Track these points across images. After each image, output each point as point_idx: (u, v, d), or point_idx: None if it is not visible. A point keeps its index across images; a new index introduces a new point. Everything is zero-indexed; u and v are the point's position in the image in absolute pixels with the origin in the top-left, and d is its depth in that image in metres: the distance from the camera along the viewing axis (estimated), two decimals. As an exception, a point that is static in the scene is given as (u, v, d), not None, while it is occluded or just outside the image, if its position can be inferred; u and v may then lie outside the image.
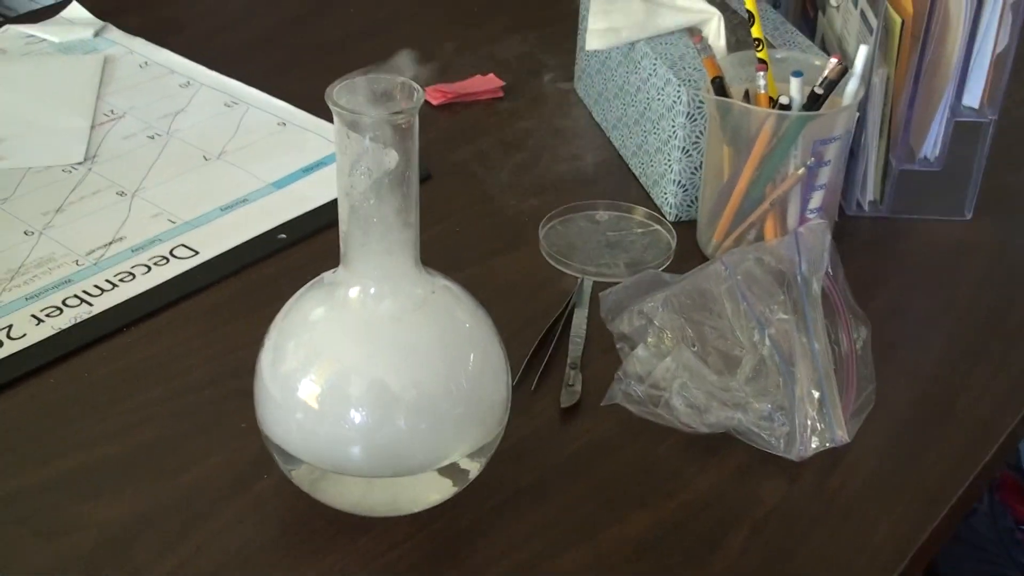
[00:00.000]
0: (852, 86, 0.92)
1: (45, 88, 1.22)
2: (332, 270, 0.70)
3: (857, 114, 0.95)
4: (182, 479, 0.76)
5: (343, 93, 0.63)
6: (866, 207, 1.06)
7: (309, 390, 0.68)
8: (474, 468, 0.72)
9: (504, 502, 0.75)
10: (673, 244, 0.99)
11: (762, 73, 0.92)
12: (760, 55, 0.93)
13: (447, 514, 0.73)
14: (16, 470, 0.76)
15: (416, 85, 0.64)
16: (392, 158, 0.63)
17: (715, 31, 1.04)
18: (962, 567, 1.82)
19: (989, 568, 1.81)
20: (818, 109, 0.90)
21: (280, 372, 0.69)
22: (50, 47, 1.30)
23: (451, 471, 0.71)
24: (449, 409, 0.68)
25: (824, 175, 0.93)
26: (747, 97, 0.93)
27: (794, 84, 0.90)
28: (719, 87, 0.92)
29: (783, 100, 0.90)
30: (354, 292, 0.68)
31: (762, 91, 0.92)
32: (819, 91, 0.89)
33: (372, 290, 0.68)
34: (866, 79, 0.94)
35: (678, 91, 0.98)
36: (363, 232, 0.66)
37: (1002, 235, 1.05)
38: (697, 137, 0.99)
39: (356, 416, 0.67)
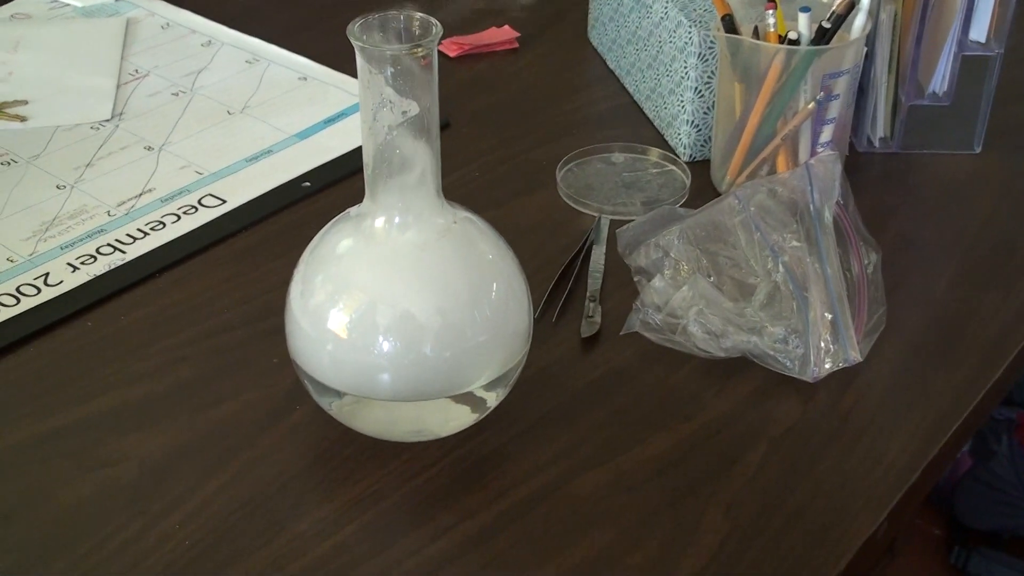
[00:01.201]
0: (860, 20, 0.93)
1: (70, 50, 1.24)
2: (357, 204, 0.73)
3: (865, 49, 0.97)
4: (218, 413, 0.79)
5: (363, 31, 0.66)
6: (876, 143, 1.08)
7: (338, 320, 0.70)
8: (498, 394, 0.75)
9: (528, 428, 0.77)
10: (688, 183, 1.01)
11: (771, 11, 0.94)
12: (769, -7, 0.95)
13: (473, 439, 0.76)
14: (60, 408, 0.79)
15: (434, 20, 0.66)
16: (411, 94, 0.66)
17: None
18: (981, 509, 1.84)
19: (1008, 510, 1.83)
20: (827, 43, 0.92)
21: (310, 305, 0.72)
22: (73, 11, 1.33)
23: (475, 397, 0.73)
24: (473, 335, 0.71)
25: (834, 109, 0.95)
26: (756, 35, 0.95)
27: (802, 20, 0.92)
28: (729, 25, 0.94)
29: (792, 36, 0.92)
30: (379, 223, 0.70)
31: (771, 29, 0.94)
32: (827, 25, 0.91)
33: (396, 220, 0.70)
34: (874, 13, 0.96)
35: (689, 32, 1.00)
36: (387, 164, 0.69)
37: (1011, 167, 1.07)
38: (709, 77, 1.02)
39: (384, 344, 0.69)
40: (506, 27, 1.29)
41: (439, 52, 1.24)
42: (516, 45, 1.27)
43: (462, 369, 0.71)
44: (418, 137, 0.68)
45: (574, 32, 1.30)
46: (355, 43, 0.65)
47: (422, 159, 0.69)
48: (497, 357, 0.73)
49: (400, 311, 0.69)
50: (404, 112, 0.67)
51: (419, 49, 0.65)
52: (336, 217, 0.74)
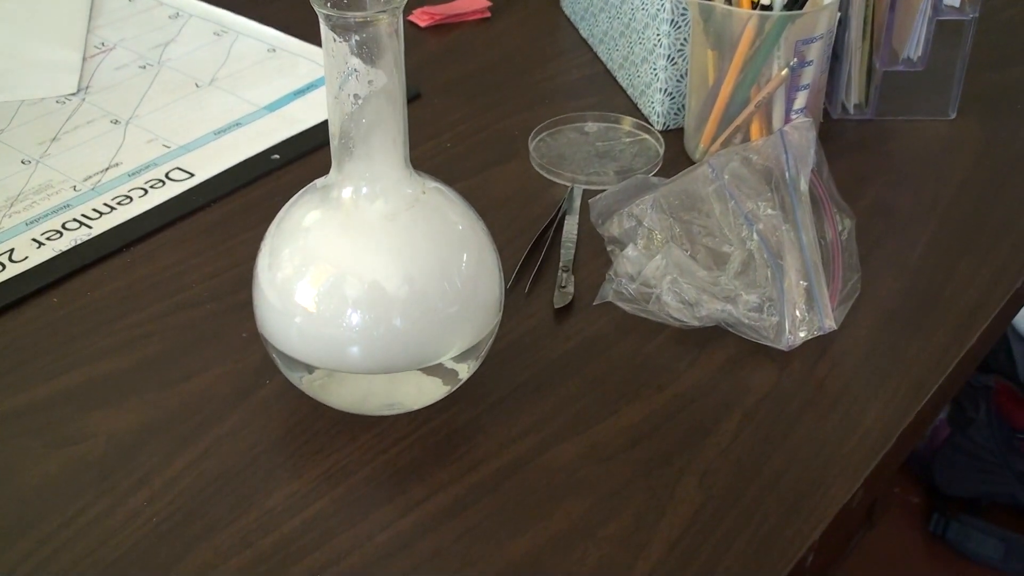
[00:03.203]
0: (833, -15, 0.93)
1: (34, 24, 1.23)
2: (324, 176, 0.72)
3: (839, 14, 0.96)
4: (187, 388, 0.78)
5: (328, -1, 0.64)
6: (851, 110, 1.08)
7: (306, 293, 0.69)
8: (469, 366, 0.74)
9: (501, 399, 0.77)
10: (661, 151, 1.00)
11: (744, -23, 0.93)
12: (741, -41, 0.94)
13: (445, 412, 0.75)
14: (25, 385, 0.78)
15: (399, -15, 0.65)
16: (377, 62, 0.65)
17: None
18: (960, 476, 1.85)
19: (987, 477, 1.83)
20: (799, 8, 0.91)
21: (277, 278, 0.71)
22: (38, -16, 1.31)
23: (446, 369, 0.72)
24: (443, 307, 0.70)
25: (808, 75, 0.94)
26: (729, 0, 0.94)
27: (775, -16, 0.91)
28: (701, -9, 0.94)
29: (764, 1, 0.91)
30: (347, 193, 0.69)
31: (744, -6, 0.94)
32: (799, -10, 0.90)
33: (364, 190, 0.69)
34: (847, -22, 0.95)
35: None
36: (353, 134, 0.68)
37: (986, 133, 1.07)
38: (682, 44, 1.01)
39: (352, 316, 0.68)
40: (477, -4, 1.27)
41: (410, 22, 1.24)
42: (488, 14, 1.26)
43: (432, 341, 0.70)
44: (385, 106, 0.67)
45: (546, 1, 1.28)
46: (319, 10, 0.63)
47: (389, 129, 0.68)
48: (468, 329, 0.72)
49: (368, 283, 0.69)
50: (370, 81, 0.66)
51: (384, 15, 0.63)
52: (303, 189, 0.73)
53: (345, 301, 0.69)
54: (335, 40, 0.65)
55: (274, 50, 1.18)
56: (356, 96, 0.66)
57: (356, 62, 0.65)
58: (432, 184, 0.72)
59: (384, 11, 0.64)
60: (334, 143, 0.69)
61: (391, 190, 0.70)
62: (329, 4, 0.64)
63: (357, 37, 0.64)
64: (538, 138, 1.03)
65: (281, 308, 0.70)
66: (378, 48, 0.65)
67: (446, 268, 0.70)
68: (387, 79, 0.66)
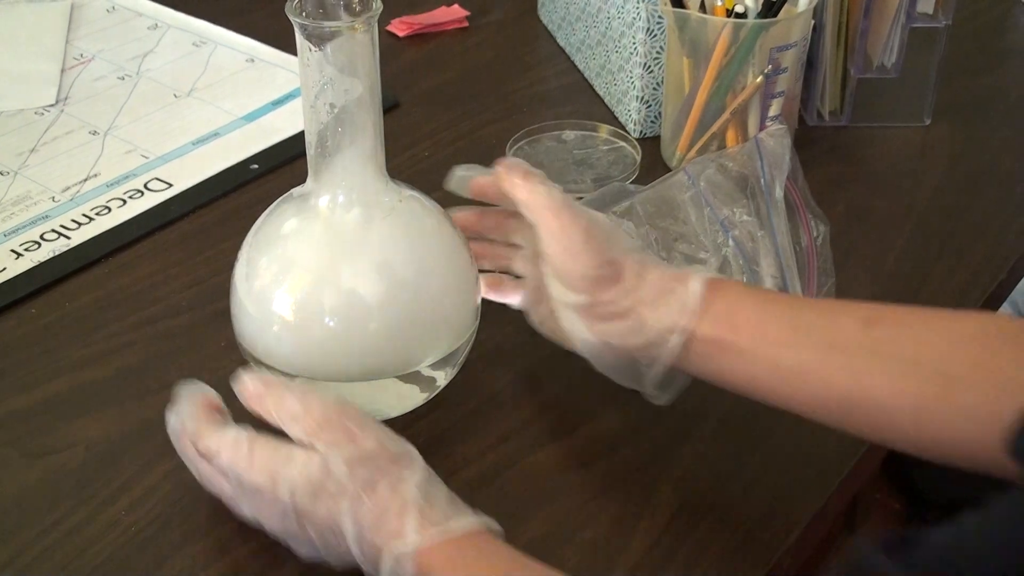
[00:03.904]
0: (806, -7, 0.93)
1: (13, 35, 1.23)
2: (301, 185, 0.72)
3: (813, 22, 0.97)
4: (166, 398, 0.77)
5: (302, 8, 0.65)
6: (826, 117, 1.08)
7: (283, 302, 0.70)
8: (447, 373, 0.74)
9: (479, 406, 0.77)
10: (638, 159, 1.01)
11: (719, -15, 0.94)
12: (715, -33, 0.94)
13: (424, 419, 0.76)
14: (4, 395, 0.78)
15: (374, -6, 0.65)
16: (353, 72, 0.65)
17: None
18: (941, 482, 1.85)
19: (968, 480, 1.84)
20: (773, 16, 0.92)
21: (255, 287, 0.71)
22: (17, -4, 1.31)
23: (424, 376, 0.73)
24: (420, 315, 0.70)
25: (782, 83, 0.95)
26: (703, 9, 0.95)
27: (748, -8, 0.92)
28: None
29: (739, 9, 0.92)
30: (323, 202, 0.70)
31: (719, 3, 0.94)
32: (773, -1, 0.91)
33: (340, 199, 0.69)
34: (820, -13, 0.96)
35: (637, 7, 1.00)
36: (329, 143, 0.68)
37: (960, 139, 1.08)
38: (658, 53, 1.01)
39: (330, 324, 0.69)
40: (455, 6, 1.28)
41: (388, 32, 1.24)
42: (466, 24, 1.26)
43: (409, 349, 0.71)
44: (361, 115, 0.67)
45: (524, 9, 1.29)
46: (294, 20, 0.64)
47: (365, 137, 0.68)
48: (445, 336, 0.72)
49: (345, 291, 0.69)
50: (346, 90, 0.66)
51: (359, 25, 0.64)
52: (279, 198, 0.73)
53: (322, 309, 0.69)
54: (310, 50, 0.65)
55: (252, 60, 1.18)
56: (332, 105, 0.66)
57: (332, 71, 0.65)
58: (409, 192, 0.73)
59: (359, 21, 0.64)
60: (311, 152, 0.69)
61: (368, 199, 0.70)
62: (304, 14, 0.64)
63: (332, 46, 0.64)
64: (516, 146, 1.03)
65: (259, 317, 0.71)
66: (354, 57, 0.65)
67: (423, 276, 0.71)
68: (363, 88, 0.66)
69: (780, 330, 0.66)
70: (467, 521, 0.60)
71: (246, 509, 0.64)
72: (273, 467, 0.62)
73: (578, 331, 0.71)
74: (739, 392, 0.69)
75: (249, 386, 0.66)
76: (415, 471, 0.61)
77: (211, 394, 0.68)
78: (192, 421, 0.66)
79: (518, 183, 0.71)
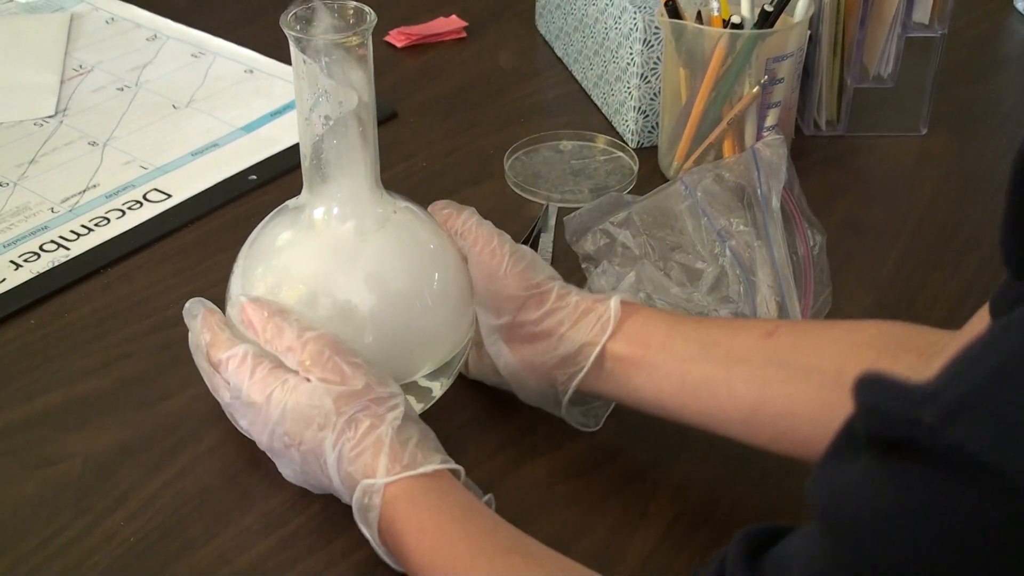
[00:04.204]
0: (803, 3, 0.94)
1: (12, 47, 1.23)
2: (296, 196, 0.72)
3: (809, 32, 0.97)
4: (164, 408, 0.78)
5: (297, 21, 0.65)
6: (823, 126, 1.09)
7: (281, 312, 0.70)
8: (442, 383, 0.75)
9: (475, 416, 0.78)
10: (635, 169, 1.01)
11: (715, -4, 0.95)
12: (712, -22, 0.95)
13: (421, 429, 0.76)
14: (3, 406, 0.78)
15: (367, 8, 0.66)
16: (347, 84, 0.66)
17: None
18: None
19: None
20: (770, 27, 0.92)
21: (252, 298, 0.71)
22: (16, 7, 1.32)
23: (420, 386, 0.73)
24: (414, 325, 0.70)
25: (779, 93, 0.95)
26: (700, 20, 0.96)
27: (744, 3, 0.92)
28: (672, 10, 0.94)
29: (735, 20, 0.92)
30: (318, 214, 0.70)
31: (715, 13, 0.95)
32: (769, 8, 0.91)
33: (335, 211, 0.70)
34: (816, -3, 0.96)
35: (634, 18, 1.00)
36: (324, 155, 0.68)
37: (956, 149, 1.08)
38: (655, 63, 1.02)
39: (326, 335, 0.69)
40: (453, 16, 1.28)
41: (386, 43, 1.25)
42: (464, 35, 1.27)
43: (404, 359, 0.71)
44: (355, 127, 0.67)
45: (522, 20, 1.29)
46: (288, 33, 0.64)
47: (360, 149, 0.69)
48: (440, 346, 0.72)
49: (340, 302, 0.69)
50: (340, 103, 0.66)
51: (354, 38, 0.64)
52: (275, 210, 0.74)
53: (317, 321, 0.69)
54: (305, 62, 0.65)
55: (251, 71, 1.18)
56: (327, 117, 0.67)
57: (326, 84, 0.66)
58: (403, 204, 0.73)
59: (354, 33, 0.64)
60: (305, 164, 0.70)
61: (362, 210, 0.70)
62: (299, 27, 0.65)
63: (327, 59, 0.65)
64: (513, 156, 1.03)
65: (256, 328, 0.71)
66: (348, 70, 0.65)
67: (417, 287, 0.71)
68: (357, 100, 0.66)
69: (688, 346, 0.70)
70: (433, 465, 0.64)
71: (242, 421, 0.70)
72: (269, 387, 0.67)
73: (502, 355, 0.75)
74: (651, 411, 0.72)
75: (250, 313, 0.69)
76: (397, 413, 0.65)
77: (218, 311, 0.72)
78: (207, 333, 0.71)
79: (451, 214, 0.75)
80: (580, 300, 0.73)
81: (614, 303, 0.72)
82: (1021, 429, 0.35)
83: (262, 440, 0.68)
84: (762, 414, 0.67)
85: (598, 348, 0.71)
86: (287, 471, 0.69)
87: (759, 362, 0.67)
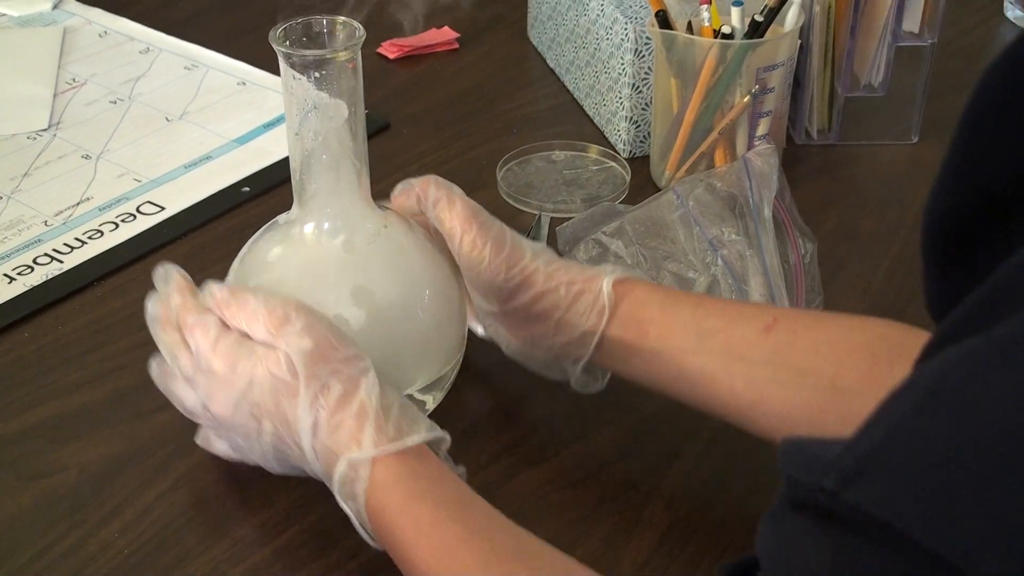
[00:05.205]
0: (792, 13, 0.94)
1: (5, 60, 1.23)
2: (286, 212, 0.73)
3: (799, 41, 0.97)
4: (158, 420, 0.78)
5: (286, 37, 0.65)
6: (814, 136, 1.09)
7: (273, 325, 0.70)
8: (435, 396, 0.75)
9: (469, 427, 0.77)
10: (628, 179, 1.02)
11: (705, 6, 0.95)
12: (703, -12, 0.95)
13: (415, 439, 0.76)
14: (-3, 419, 0.79)
15: (357, 24, 0.66)
16: (337, 99, 0.66)
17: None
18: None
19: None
20: (760, 37, 0.92)
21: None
22: (9, 21, 1.32)
23: (414, 399, 0.73)
24: (406, 339, 0.71)
25: (770, 102, 0.96)
26: (690, 30, 0.96)
27: (735, 13, 0.93)
28: (663, 20, 0.95)
29: (725, 30, 0.93)
30: (308, 229, 0.70)
31: (706, 23, 0.95)
32: (759, 18, 0.92)
33: (326, 226, 0.70)
34: (806, 6, 0.97)
35: (625, 29, 1.01)
36: (314, 170, 0.68)
37: (947, 156, 1.08)
38: (646, 73, 1.02)
39: (319, 348, 0.69)
40: (446, 28, 1.29)
41: (379, 54, 1.25)
42: (456, 46, 1.27)
43: (397, 373, 0.71)
44: (345, 142, 0.68)
45: (514, 31, 1.30)
46: (278, 49, 0.64)
47: (350, 164, 0.69)
48: (433, 360, 0.73)
49: (331, 318, 0.69)
50: (330, 117, 0.67)
51: (343, 53, 0.64)
52: (265, 225, 0.74)
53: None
54: (294, 77, 0.66)
55: (244, 84, 1.19)
56: (316, 132, 0.67)
57: (315, 99, 0.66)
58: (395, 217, 0.73)
59: (343, 48, 0.65)
60: (295, 179, 0.70)
61: (352, 225, 0.70)
62: (288, 43, 0.65)
63: (316, 74, 0.65)
64: (506, 167, 1.04)
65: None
66: (338, 84, 0.66)
67: (408, 301, 0.71)
68: (347, 115, 0.67)
69: (686, 335, 0.69)
70: (420, 436, 0.63)
71: (200, 391, 0.67)
72: (235, 357, 0.65)
73: (501, 338, 0.76)
74: (653, 391, 0.72)
75: (216, 294, 0.68)
76: (370, 378, 0.63)
77: (190, 280, 0.70)
78: (179, 296, 0.69)
79: (432, 199, 0.74)
80: (570, 280, 0.72)
81: (606, 286, 0.71)
82: (910, 485, 0.35)
83: (224, 413, 0.66)
84: (759, 412, 0.67)
85: (597, 336, 0.71)
86: (256, 451, 0.67)
87: (757, 360, 0.67)
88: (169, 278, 0.70)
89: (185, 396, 0.69)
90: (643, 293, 0.72)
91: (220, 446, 0.71)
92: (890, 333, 0.67)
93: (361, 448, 0.61)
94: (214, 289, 0.68)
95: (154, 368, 0.71)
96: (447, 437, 0.65)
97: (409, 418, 0.63)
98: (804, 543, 0.39)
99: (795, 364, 0.66)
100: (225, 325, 0.66)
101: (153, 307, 0.70)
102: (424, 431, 0.63)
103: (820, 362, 0.66)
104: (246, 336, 0.65)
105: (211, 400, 0.66)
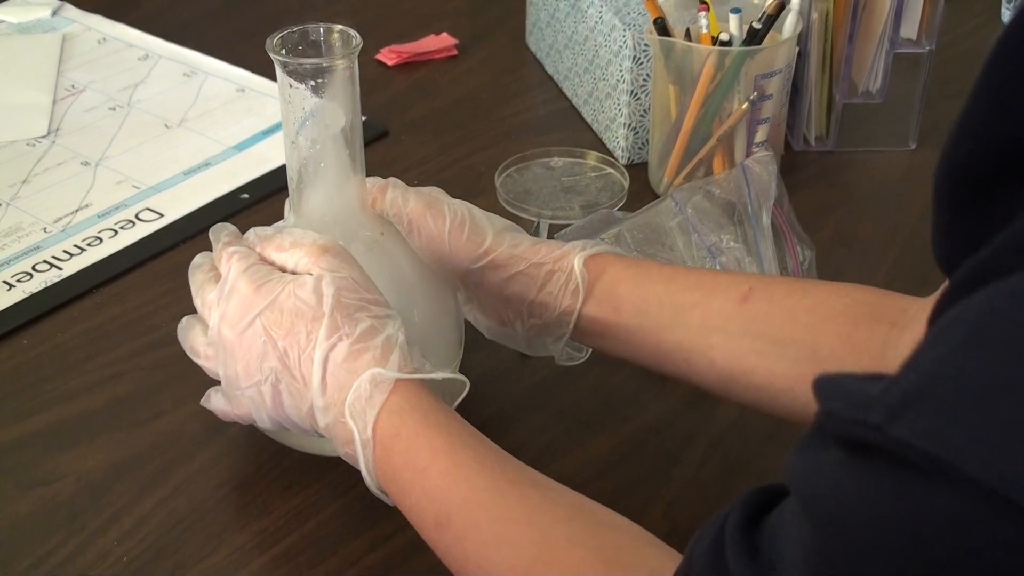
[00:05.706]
0: (790, 20, 0.94)
1: (4, 67, 1.23)
2: (282, 219, 0.73)
3: (797, 48, 0.98)
4: (157, 427, 0.78)
5: (283, 45, 0.65)
6: (812, 142, 1.09)
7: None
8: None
9: (468, 433, 0.77)
10: (626, 185, 1.02)
11: (703, 13, 0.95)
12: (701, -5, 0.95)
13: (414, 446, 0.76)
14: (-5, 427, 0.79)
15: (353, 32, 0.66)
16: (334, 107, 0.66)
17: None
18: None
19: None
20: (758, 44, 0.92)
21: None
22: (9, 28, 1.32)
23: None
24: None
25: (768, 109, 0.96)
26: (689, 37, 0.96)
27: (733, 20, 0.93)
28: (662, 28, 0.95)
29: (723, 37, 0.93)
30: (304, 237, 0.70)
31: (704, 31, 0.95)
32: (757, 26, 0.92)
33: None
34: (804, 13, 0.97)
35: (623, 36, 1.01)
36: (310, 178, 0.69)
37: (946, 163, 1.08)
38: (644, 80, 1.02)
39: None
40: (444, 34, 1.29)
41: (378, 61, 1.25)
42: (455, 52, 1.27)
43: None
44: (342, 150, 0.68)
45: (512, 38, 1.30)
46: (274, 57, 0.64)
47: (346, 172, 0.69)
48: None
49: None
50: (327, 125, 0.67)
51: (339, 61, 0.65)
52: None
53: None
54: (291, 85, 0.66)
55: (243, 90, 1.19)
56: (313, 140, 0.67)
57: (312, 107, 0.66)
58: (390, 225, 0.73)
59: (340, 56, 0.65)
60: (292, 187, 0.70)
61: (349, 234, 0.70)
62: (285, 51, 0.65)
63: (314, 82, 0.65)
64: (504, 174, 1.04)
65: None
66: (335, 92, 0.66)
67: (403, 309, 0.71)
68: (344, 123, 0.67)
69: (661, 311, 0.70)
70: (444, 373, 0.64)
71: (215, 316, 0.66)
72: (262, 279, 0.64)
73: (480, 322, 0.77)
74: (635, 365, 0.74)
75: (259, 231, 0.68)
76: (396, 321, 0.64)
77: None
78: (225, 236, 0.70)
79: (388, 200, 0.74)
80: (539, 260, 0.73)
81: (578, 265, 0.72)
82: (961, 418, 0.35)
83: (232, 335, 0.64)
84: (739, 383, 0.67)
85: (574, 315, 0.72)
86: (247, 390, 0.65)
87: (735, 332, 0.67)
88: (221, 229, 0.71)
89: (196, 340, 0.69)
90: (616, 270, 0.72)
91: (216, 401, 0.70)
92: (866, 298, 0.67)
93: (387, 367, 0.61)
94: (258, 229, 0.69)
95: (182, 322, 0.71)
96: (467, 383, 0.66)
97: (430, 363, 0.64)
98: (840, 476, 0.39)
99: (774, 334, 0.66)
100: (262, 260, 0.66)
101: (198, 258, 0.71)
102: (447, 372, 0.64)
103: (799, 331, 0.66)
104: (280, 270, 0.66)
105: (224, 320, 0.65)
